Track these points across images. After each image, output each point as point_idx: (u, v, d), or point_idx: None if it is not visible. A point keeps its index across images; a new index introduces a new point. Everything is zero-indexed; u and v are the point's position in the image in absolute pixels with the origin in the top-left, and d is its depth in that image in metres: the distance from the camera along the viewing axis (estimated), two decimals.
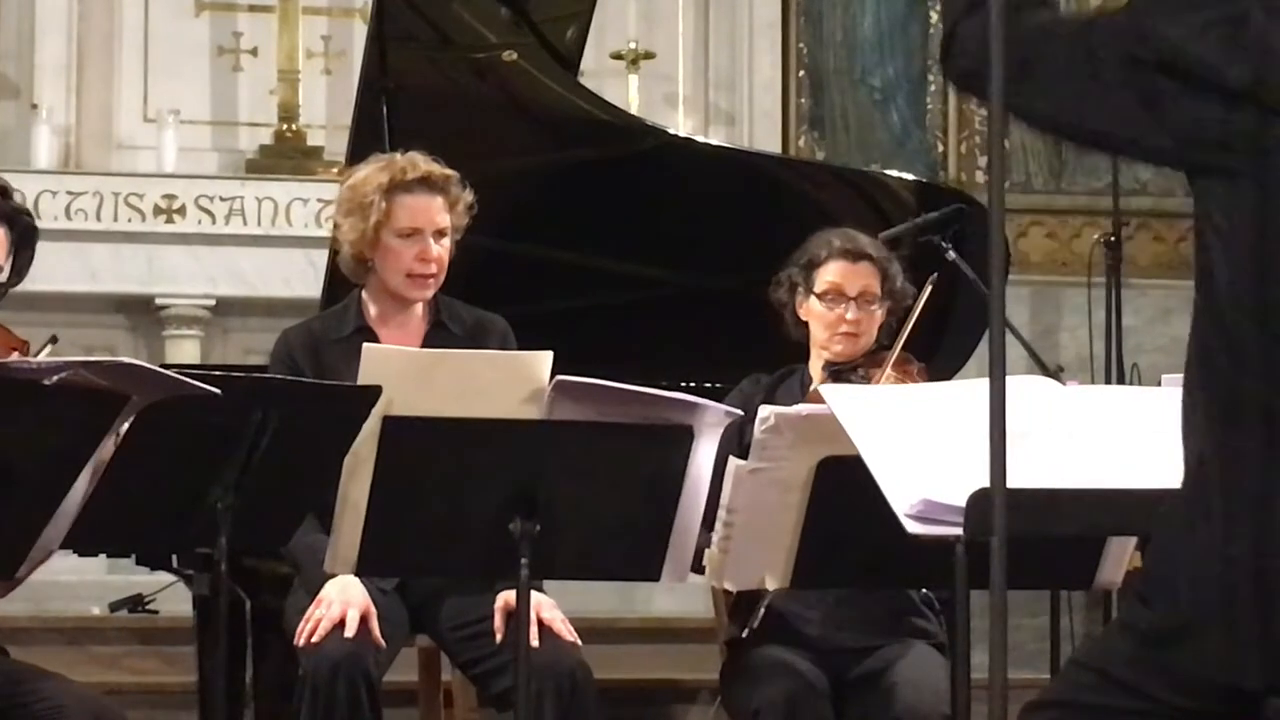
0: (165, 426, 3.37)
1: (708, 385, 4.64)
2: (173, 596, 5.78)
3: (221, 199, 7.60)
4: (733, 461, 3.64)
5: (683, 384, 4.50)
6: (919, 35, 8.28)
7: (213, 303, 7.60)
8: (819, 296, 4.39)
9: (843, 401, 3.27)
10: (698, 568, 3.74)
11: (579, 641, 4.04)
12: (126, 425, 3.33)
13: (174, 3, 7.96)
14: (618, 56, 7.97)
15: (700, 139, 6.83)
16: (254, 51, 8.00)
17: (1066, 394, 3.36)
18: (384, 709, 3.97)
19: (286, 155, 7.87)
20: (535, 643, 3.83)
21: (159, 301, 7.56)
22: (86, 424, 3.23)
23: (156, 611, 6.36)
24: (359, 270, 4.31)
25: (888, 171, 6.36)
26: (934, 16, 8.17)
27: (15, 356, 3.76)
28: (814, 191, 5.60)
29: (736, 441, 3.90)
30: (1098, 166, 8.04)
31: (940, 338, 5.17)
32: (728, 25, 8.22)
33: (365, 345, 3.66)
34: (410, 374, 3.57)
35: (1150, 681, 2.52)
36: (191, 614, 4.45)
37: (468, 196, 4.30)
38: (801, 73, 8.20)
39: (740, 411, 3.76)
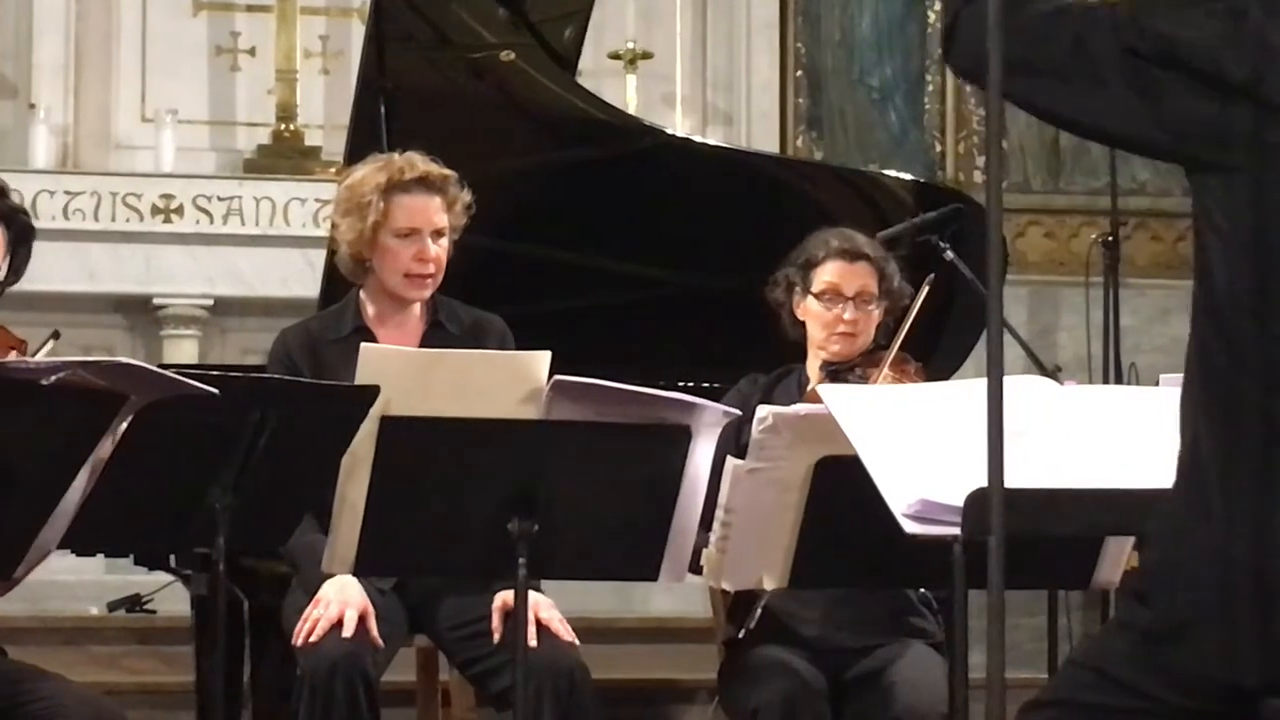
0: (163, 426, 3.37)
1: (705, 385, 4.63)
2: (171, 596, 5.77)
3: (219, 199, 7.59)
4: (730, 461, 3.63)
5: (680, 384, 4.49)
6: (917, 35, 8.27)
7: (210, 302, 7.59)
8: (816, 296, 4.39)
9: (840, 401, 3.27)
10: (695, 568, 3.73)
11: (577, 641, 4.04)
12: (124, 425, 3.32)
13: (172, 2, 7.95)
14: (616, 56, 7.96)
15: (698, 139, 6.82)
16: (252, 51, 8.00)
17: (1064, 394, 3.36)
18: (382, 709, 3.97)
19: (284, 155, 7.86)
20: (533, 642, 3.82)
21: (157, 301, 7.55)
22: (84, 424, 3.22)
23: (154, 611, 6.35)
24: (357, 270, 4.31)
25: (886, 171, 6.36)
26: (932, 16, 8.17)
27: (13, 356, 3.76)
28: (812, 191, 5.59)
29: (734, 441, 3.89)
30: (1095, 166, 8.04)
31: (938, 337, 5.17)
32: (725, 25, 8.21)
33: (363, 345, 3.65)
34: (408, 374, 3.56)
35: (1148, 680, 2.52)
36: (189, 614, 4.46)
37: (466, 196, 4.30)
38: (799, 73, 8.20)
39: (738, 411, 3.75)
